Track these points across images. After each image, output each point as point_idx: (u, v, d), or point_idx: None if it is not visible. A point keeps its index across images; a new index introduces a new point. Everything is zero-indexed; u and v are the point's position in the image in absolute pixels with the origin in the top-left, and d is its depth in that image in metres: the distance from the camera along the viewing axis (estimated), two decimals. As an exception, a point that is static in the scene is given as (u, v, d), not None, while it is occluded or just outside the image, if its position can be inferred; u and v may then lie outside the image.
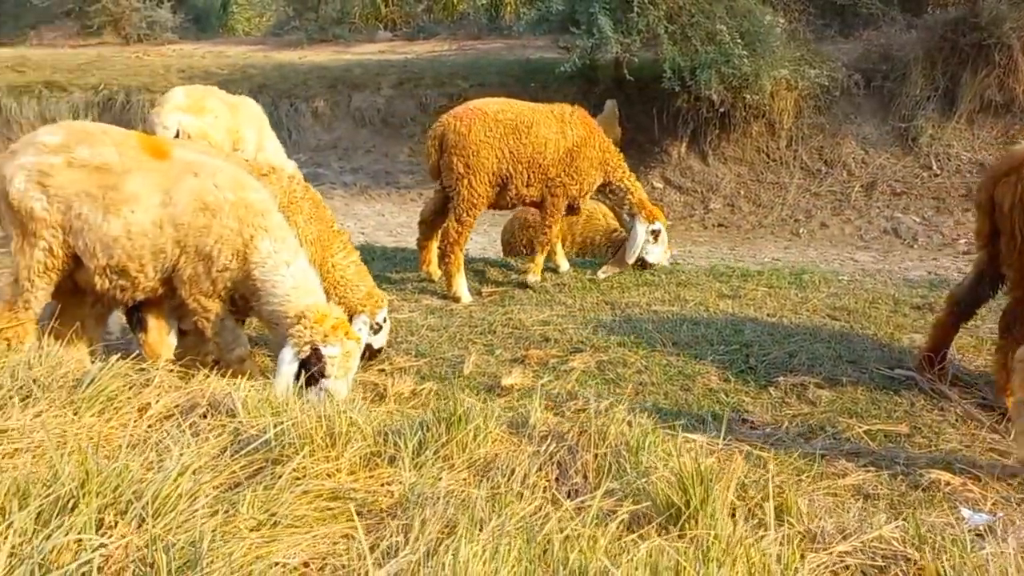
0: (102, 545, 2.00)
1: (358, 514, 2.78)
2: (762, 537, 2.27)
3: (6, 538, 1.95)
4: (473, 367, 5.28)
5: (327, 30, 16.22)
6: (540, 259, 7.06)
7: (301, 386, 4.04)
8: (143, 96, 12.91)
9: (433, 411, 3.38)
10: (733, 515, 2.36)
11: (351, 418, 3.23)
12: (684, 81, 10.65)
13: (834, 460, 3.95)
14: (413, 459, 3.04)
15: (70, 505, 2.19)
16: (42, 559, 1.97)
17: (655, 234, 7.11)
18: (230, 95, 7.82)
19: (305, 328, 4.06)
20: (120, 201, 3.90)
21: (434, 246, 7.19)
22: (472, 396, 4.21)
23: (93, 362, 3.96)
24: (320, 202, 5.17)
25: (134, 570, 2.01)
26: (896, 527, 2.61)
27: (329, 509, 2.75)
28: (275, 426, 3.06)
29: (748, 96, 10.88)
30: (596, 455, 3.01)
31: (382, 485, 2.97)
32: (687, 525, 2.34)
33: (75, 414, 3.41)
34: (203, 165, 4.10)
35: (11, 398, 3.48)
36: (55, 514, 2.14)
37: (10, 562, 1.90)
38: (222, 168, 4.15)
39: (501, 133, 6.62)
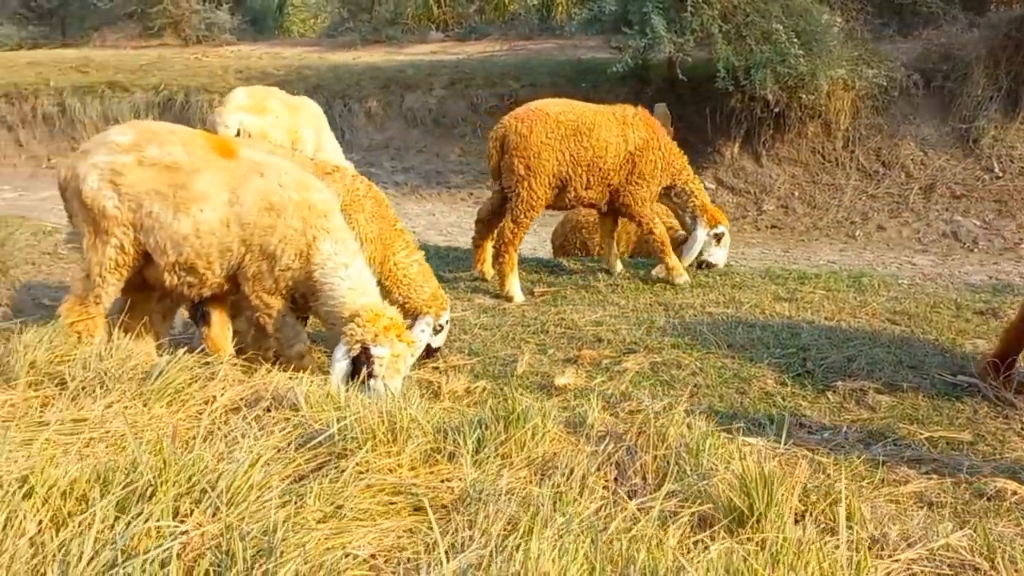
0: (183, 532, 2.07)
1: (419, 509, 2.83)
2: (827, 542, 2.25)
3: (91, 524, 2.03)
4: (526, 366, 5.29)
5: (380, 31, 16.37)
6: (671, 260, 6.96)
7: (362, 382, 4.09)
8: (202, 96, 13.20)
9: (491, 409, 3.41)
10: (798, 520, 2.35)
11: (412, 415, 3.28)
12: (738, 81, 10.54)
13: (895, 467, 3.88)
14: (472, 456, 3.07)
15: (148, 493, 2.27)
16: (123, 545, 2.04)
17: (718, 237, 7.05)
18: (290, 96, 7.97)
19: (357, 327, 4.10)
20: (189, 200, 4.00)
21: (489, 246, 7.22)
22: (526, 395, 4.23)
23: (160, 355, 4.08)
24: (383, 201, 5.23)
25: (211, 557, 2.06)
26: (963, 536, 2.57)
27: (392, 503, 2.80)
28: (338, 421, 3.12)
29: (804, 96, 10.72)
30: (655, 456, 3.01)
31: (442, 481, 3.00)
32: (752, 528, 2.33)
33: (144, 405, 3.52)
34: (269, 165, 4.18)
35: (83, 389, 3.61)
36: (135, 502, 2.22)
37: (95, 547, 1.98)
38: (287, 168, 4.23)
39: (562, 135, 6.60)
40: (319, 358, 5.05)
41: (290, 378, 3.95)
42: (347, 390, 3.84)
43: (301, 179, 4.22)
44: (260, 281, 4.17)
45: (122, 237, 4.02)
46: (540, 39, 15.77)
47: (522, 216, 6.72)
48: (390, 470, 3.00)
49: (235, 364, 4.26)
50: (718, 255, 7.15)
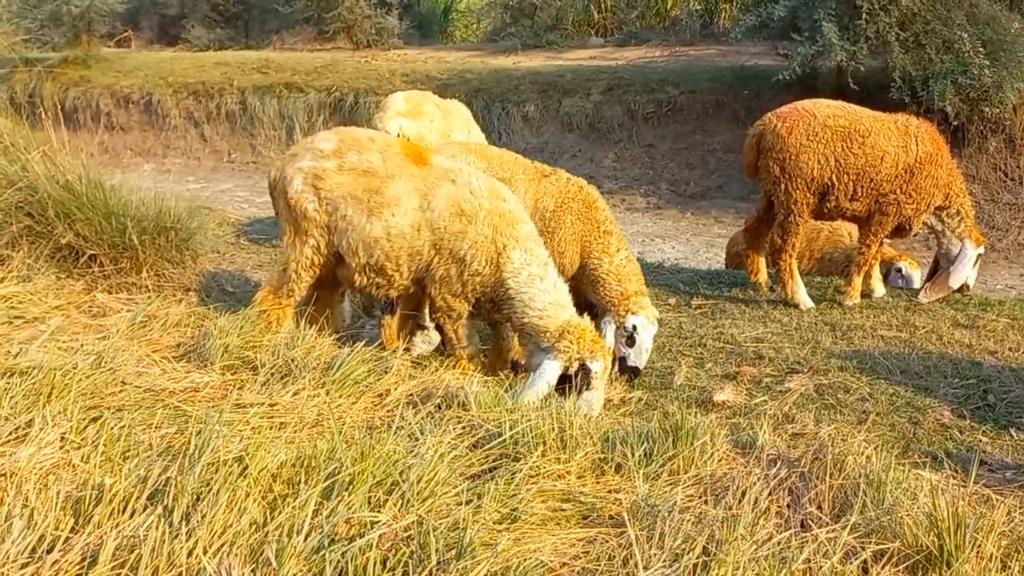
0: (384, 524, 2.20)
1: (587, 518, 2.89)
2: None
3: (302, 507, 2.20)
4: (683, 379, 5.25)
5: (541, 36, 16.54)
6: (857, 281, 6.64)
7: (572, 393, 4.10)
8: (370, 98, 13.78)
9: (659, 423, 3.42)
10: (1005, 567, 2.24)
11: (580, 423, 3.34)
12: (915, 91, 10.04)
13: (1091, 516, 3.60)
14: (640, 469, 3.09)
15: (347, 482, 2.43)
16: (328, 531, 2.20)
17: (977, 258, 6.67)
18: (441, 99, 8.24)
19: (572, 343, 4.15)
20: (383, 204, 4.20)
21: (759, 255, 6.98)
22: (683, 410, 4.20)
23: (340, 348, 4.32)
24: (592, 203, 5.22)
25: (405, 549, 2.19)
26: None
27: (561, 510, 2.86)
28: (511, 426, 3.21)
29: (987, 109, 10.11)
30: (831, 486, 2.93)
31: (609, 492, 3.04)
32: (942, 572, 2.24)
33: (327, 394, 3.73)
34: (460, 172, 4.33)
35: (272, 375, 3.87)
36: (336, 490, 2.38)
37: (305, 531, 2.14)
38: (478, 176, 4.36)
39: (828, 139, 6.25)
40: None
41: (458, 378, 4.09)
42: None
43: (492, 187, 4.33)
44: (447, 284, 4.32)
45: (319, 238, 4.29)
46: (701, 45, 15.52)
47: (785, 220, 6.48)
48: (559, 476, 3.06)
49: (404, 360, 4.46)
50: (972, 276, 6.72)
